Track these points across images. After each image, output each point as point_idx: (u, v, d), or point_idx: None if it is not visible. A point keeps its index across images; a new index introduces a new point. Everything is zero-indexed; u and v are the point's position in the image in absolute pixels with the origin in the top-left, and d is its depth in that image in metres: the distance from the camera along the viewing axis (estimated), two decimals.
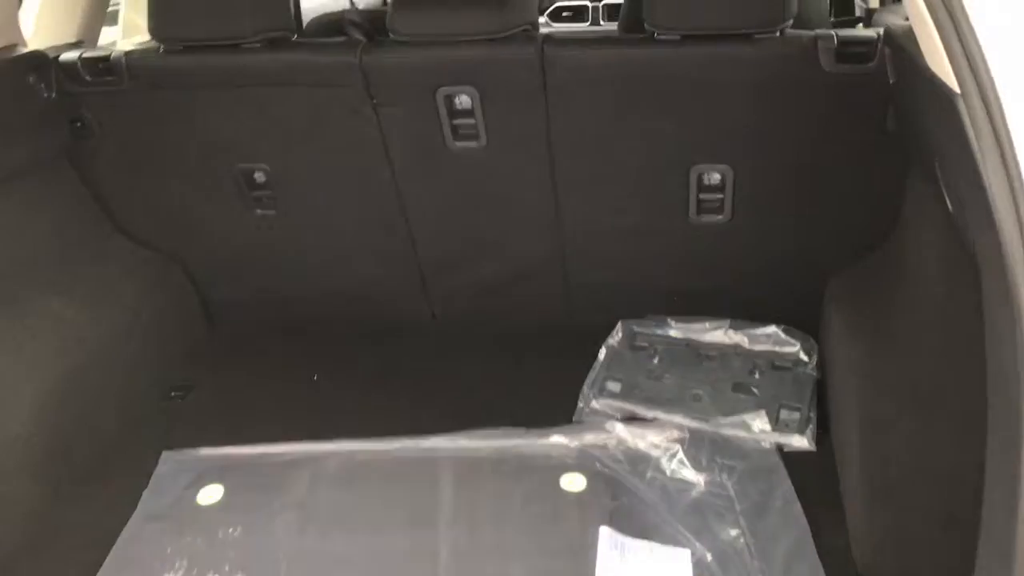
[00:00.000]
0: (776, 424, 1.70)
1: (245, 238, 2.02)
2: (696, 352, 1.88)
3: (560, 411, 1.81)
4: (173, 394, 1.99)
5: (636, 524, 1.49)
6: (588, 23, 3.62)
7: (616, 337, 1.94)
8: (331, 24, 2.62)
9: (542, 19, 3.60)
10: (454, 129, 1.75)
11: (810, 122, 1.63)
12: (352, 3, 3.21)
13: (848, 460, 1.49)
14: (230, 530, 1.52)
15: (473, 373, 1.95)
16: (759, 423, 1.70)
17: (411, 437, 1.72)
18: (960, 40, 0.97)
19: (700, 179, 1.74)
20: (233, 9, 1.67)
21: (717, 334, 1.90)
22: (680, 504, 1.54)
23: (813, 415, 1.72)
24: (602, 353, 1.91)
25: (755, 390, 1.78)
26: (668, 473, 1.62)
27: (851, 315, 1.72)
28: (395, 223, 1.93)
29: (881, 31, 1.50)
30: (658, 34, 1.58)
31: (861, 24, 2.55)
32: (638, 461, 1.64)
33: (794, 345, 1.84)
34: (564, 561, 1.43)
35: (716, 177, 1.74)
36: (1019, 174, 0.87)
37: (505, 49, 1.64)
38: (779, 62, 1.56)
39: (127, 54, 1.76)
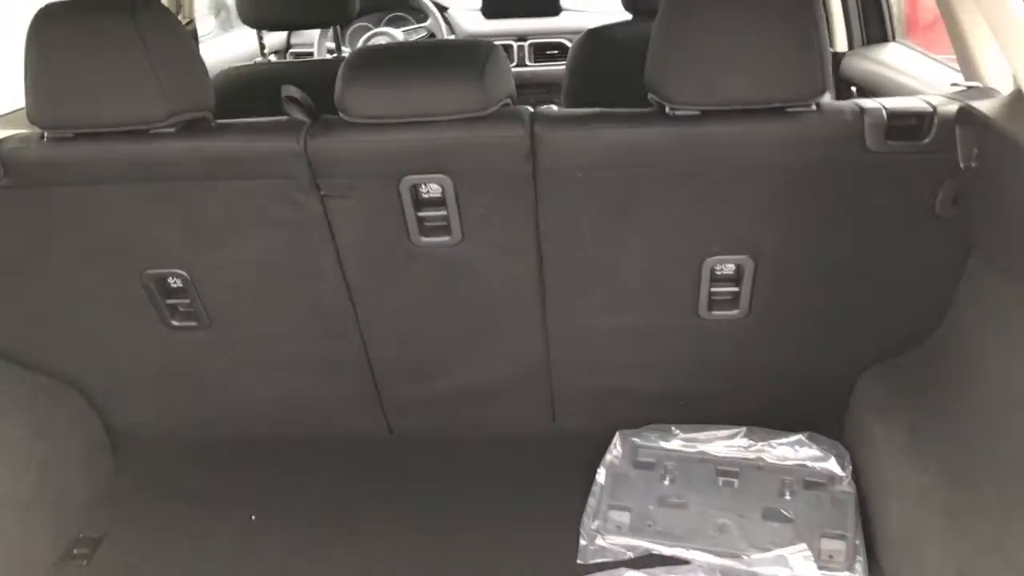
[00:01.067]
0: (819, 558, 1.45)
1: (159, 354, 1.67)
2: (713, 469, 1.61)
3: (558, 554, 1.52)
4: (75, 552, 1.62)
5: None
6: (514, 63, 3.38)
7: (615, 453, 1.66)
8: (243, 82, 2.29)
9: None
10: (420, 223, 1.44)
11: (847, 206, 1.39)
12: (263, 53, 2.88)
13: None
14: None
15: (444, 507, 1.64)
16: (800, 558, 1.44)
17: None
18: None
19: (713, 271, 1.48)
20: (140, 88, 1.33)
21: (733, 445, 1.64)
22: None
23: (861, 543, 1.47)
24: (601, 474, 1.63)
25: (789, 515, 1.52)
26: None
27: (892, 421, 1.49)
28: (344, 329, 1.61)
29: (949, 107, 1.28)
30: (672, 109, 1.32)
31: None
32: None
33: (825, 457, 1.58)
34: None
35: (731, 268, 1.49)
36: None
37: (488, 130, 1.35)
38: (817, 140, 1.32)
39: (2, 144, 1.40)
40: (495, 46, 1.42)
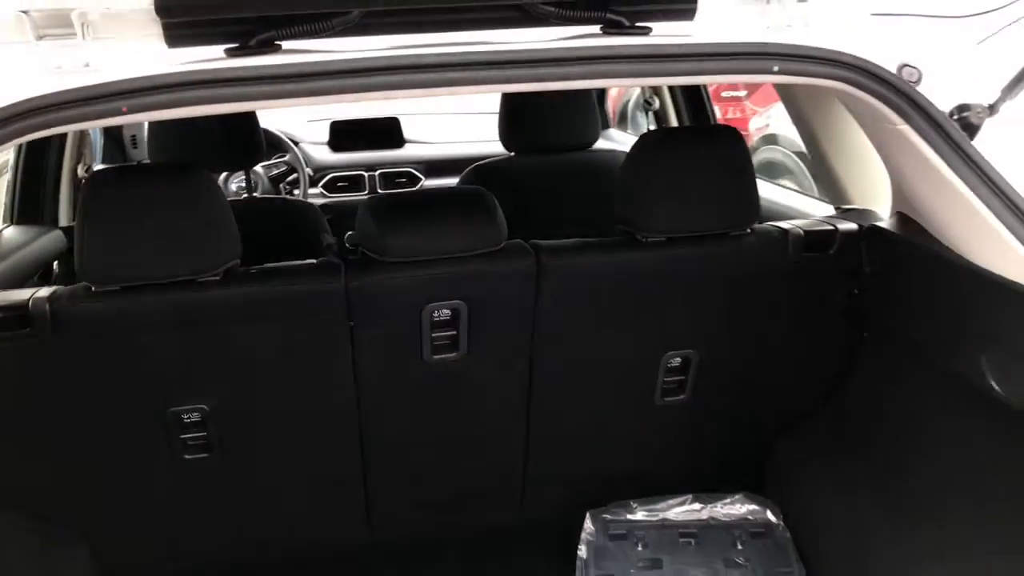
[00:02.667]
0: None
1: (167, 488, 1.75)
2: (676, 532, 1.92)
3: None
4: None
5: None
6: (366, 191, 3.65)
7: (589, 530, 1.92)
8: None
9: (316, 189, 3.58)
10: (432, 342, 1.68)
11: (773, 306, 1.79)
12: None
13: None
14: None
15: None
16: None
17: None
18: None
19: (666, 365, 1.82)
20: (194, 242, 1.49)
21: (686, 510, 1.96)
22: None
23: (803, 574, 1.83)
24: (583, 550, 1.89)
25: (743, 561, 1.85)
26: None
27: (810, 470, 1.89)
28: (350, 446, 1.79)
29: (848, 225, 1.71)
30: (644, 237, 1.66)
31: None
32: None
33: (762, 510, 1.94)
34: None
35: (677, 360, 1.83)
36: None
37: (502, 262, 1.62)
38: (753, 256, 1.71)
39: (51, 300, 1.49)
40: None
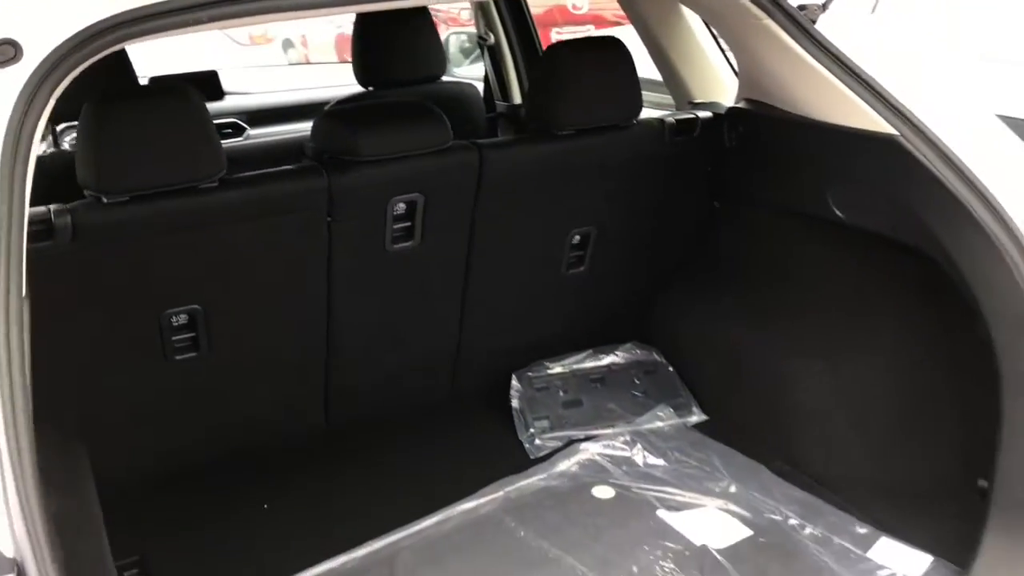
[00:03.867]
0: (677, 410, 2.26)
1: (154, 389, 1.93)
2: (587, 378, 2.34)
3: (516, 455, 2.14)
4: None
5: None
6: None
7: (517, 388, 2.30)
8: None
9: None
10: (393, 233, 1.97)
11: (653, 183, 2.23)
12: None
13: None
14: None
15: (409, 466, 2.13)
16: (667, 412, 2.24)
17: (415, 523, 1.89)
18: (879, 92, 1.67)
19: (570, 241, 2.23)
20: (198, 152, 1.70)
21: (590, 361, 2.39)
22: (682, 476, 2.01)
23: (691, 397, 2.31)
24: (515, 403, 2.27)
25: (642, 395, 2.31)
26: (643, 465, 2.07)
27: (683, 316, 2.38)
28: (318, 332, 2.04)
29: (705, 113, 2.18)
30: (558, 130, 2.04)
31: None
32: (621, 462, 2.06)
33: (649, 352, 2.41)
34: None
35: (578, 237, 2.24)
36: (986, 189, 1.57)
37: (451, 157, 1.94)
38: (639, 142, 2.14)
39: (72, 211, 1.63)
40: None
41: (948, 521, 1.75)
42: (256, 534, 1.93)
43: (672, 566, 1.72)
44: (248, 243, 1.84)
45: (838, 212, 1.90)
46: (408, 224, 1.98)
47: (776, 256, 2.17)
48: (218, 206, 1.76)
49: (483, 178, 2.00)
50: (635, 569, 1.71)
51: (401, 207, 1.95)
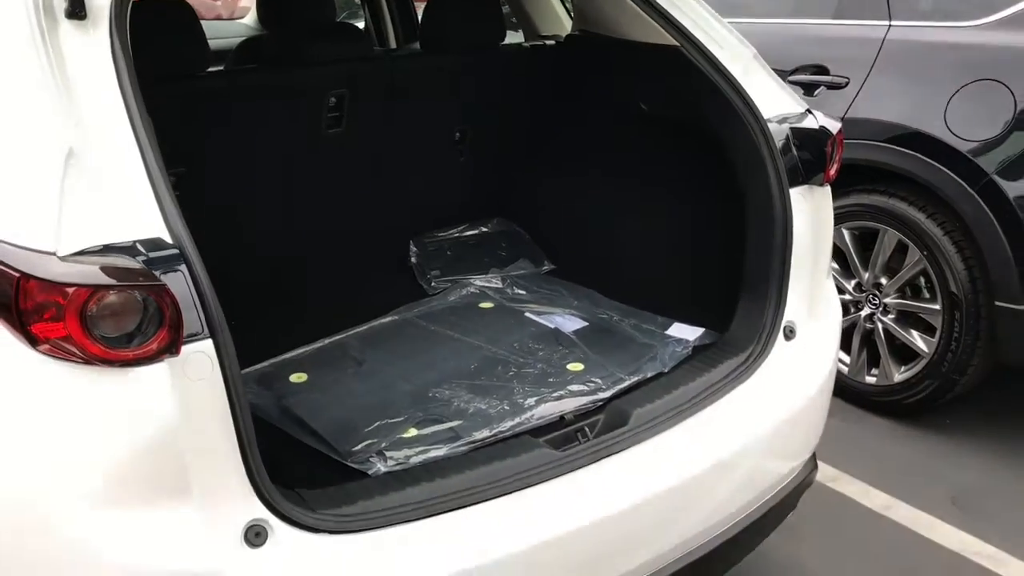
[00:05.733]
0: (534, 263, 3.09)
1: None
2: (466, 243, 3.15)
3: (417, 296, 2.91)
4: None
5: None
6: None
7: (414, 250, 3.08)
8: None
9: None
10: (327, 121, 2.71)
11: (513, 94, 3.04)
12: None
13: None
14: None
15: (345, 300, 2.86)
16: (526, 264, 3.08)
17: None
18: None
19: (454, 136, 3.01)
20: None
21: (468, 231, 3.20)
22: (540, 298, 2.84)
23: (542, 252, 3.15)
24: (413, 259, 3.04)
25: (509, 252, 3.13)
26: (511, 293, 2.89)
27: (535, 190, 3.22)
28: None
29: (552, 41, 3.01)
30: (443, 49, 2.82)
31: None
32: (497, 291, 2.88)
33: (509, 223, 3.25)
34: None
35: (458, 134, 3.03)
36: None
37: (372, 63, 2.68)
38: (508, 61, 2.94)
39: None
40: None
41: (713, 309, 2.62)
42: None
43: (537, 341, 2.54)
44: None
45: (643, 105, 2.77)
46: (338, 115, 2.71)
47: (602, 142, 3.03)
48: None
49: (393, 81, 2.75)
50: (514, 343, 2.52)
51: (332, 100, 2.68)
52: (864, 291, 3.71)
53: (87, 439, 1.45)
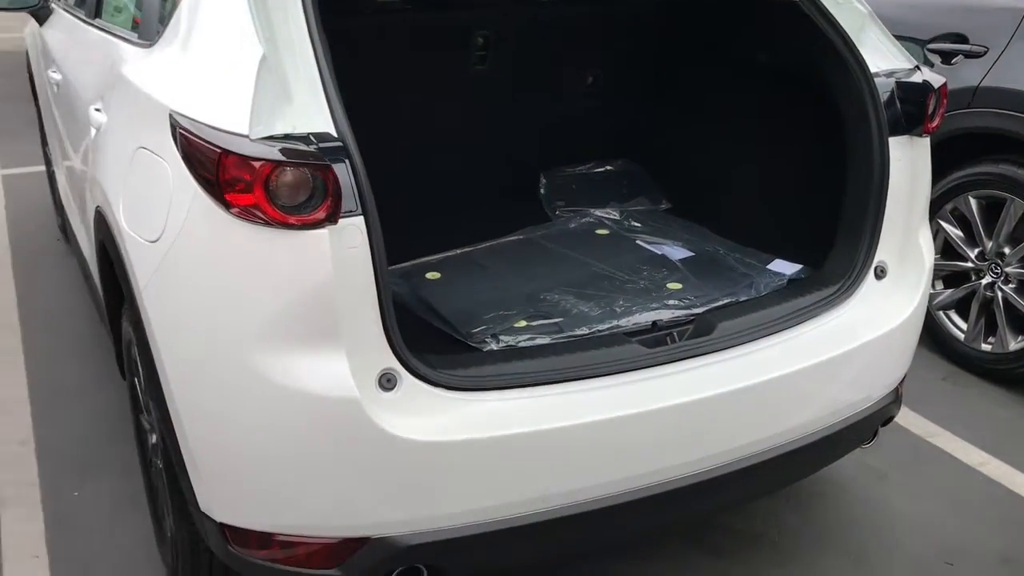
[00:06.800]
0: (651, 201, 3.38)
1: None
2: (591, 180, 3.46)
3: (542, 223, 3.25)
4: None
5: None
6: None
7: (544, 183, 3.42)
8: None
9: None
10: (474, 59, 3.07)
11: (640, 43, 3.33)
12: None
13: None
14: None
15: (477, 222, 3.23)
16: (643, 201, 3.36)
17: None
18: None
19: (585, 80, 3.32)
20: None
21: (592, 169, 3.51)
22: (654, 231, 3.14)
23: (659, 192, 3.44)
24: (542, 190, 3.38)
25: (630, 190, 3.43)
26: (627, 224, 3.19)
27: (656, 143, 3.50)
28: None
29: None
30: None
31: None
32: (614, 222, 3.19)
33: (634, 164, 3.54)
34: None
35: (591, 79, 3.34)
36: None
37: (517, 6, 3.02)
38: (641, 9, 3.23)
39: None
40: None
41: (813, 249, 2.83)
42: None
43: (643, 264, 2.84)
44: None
45: (759, 57, 3.00)
46: (483, 53, 3.07)
47: (720, 91, 3.27)
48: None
49: (537, 24, 3.08)
50: (622, 264, 2.83)
51: (480, 39, 3.04)
52: (987, 260, 3.80)
53: (264, 285, 1.86)
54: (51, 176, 5.31)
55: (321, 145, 1.82)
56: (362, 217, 1.86)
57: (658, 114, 3.50)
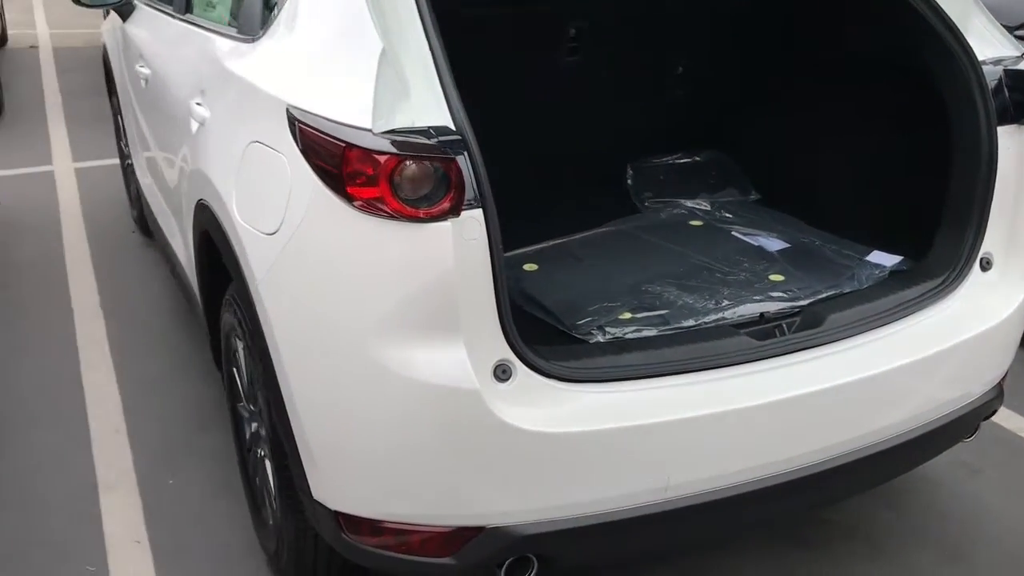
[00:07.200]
0: (740, 191, 3.37)
1: None
2: (679, 170, 3.46)
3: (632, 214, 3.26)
4: None
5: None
6: None
7: (630, 173, 3.43)
8: None
9: None
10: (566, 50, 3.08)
11: (730, 36, 3.32)
12: None
13: None
14: None
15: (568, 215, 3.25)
16: (733, 192, 3.35)
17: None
18: None
19: (674, 70, 3.32)
20: None
21: (680, 160, 3.51)
22: (747, 222, 3.13)
23: (749, 182, 3.43)
24: (629, 181, 3.39)
25: (718, 180, 3.43)
26: (719, 215, 3.19)
27: (746, 134, 3.48)
28: None
29: None
30: None
31: None
32: (705, 213, 3.18)
33: (722, 154, 3.52)
34: None
35: (680, 69, 3.33)
36: None
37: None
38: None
39: None
40: None
41: (912, 240, 2.79)
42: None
43: (741, 255, 2.84)
44: None
45: (854, 43, 2.96)
46: (575, 44, 3.08)
47: (811, 79, 3.24)
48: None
49: (629, 17, 3.08)
50: (720, 255, 2.83)
51: (573, 31, 3.05)
52: None
53: (385, 277, 1.90)
54: (126, 169, 5.42)
55: (441, 138, 1.84)
56: (481, 209, 1.88)
57: (747, 104, 3.49)
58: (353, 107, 1.89)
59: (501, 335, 1.95)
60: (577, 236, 2.97)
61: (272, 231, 2.07)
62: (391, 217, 1.85)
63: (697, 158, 3.50)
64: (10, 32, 10.61)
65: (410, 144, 1.84)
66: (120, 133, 5.39)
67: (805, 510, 2.72)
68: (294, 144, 2.00)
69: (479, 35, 2.92)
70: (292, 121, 2.00)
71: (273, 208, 2.07)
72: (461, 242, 1.88)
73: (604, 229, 3.04)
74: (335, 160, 1.87)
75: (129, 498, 3.11)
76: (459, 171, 1.84)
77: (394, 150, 1.82)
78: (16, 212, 5.61)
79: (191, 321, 4.21)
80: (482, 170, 1.88)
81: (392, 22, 1.98)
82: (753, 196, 3.35)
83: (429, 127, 1.88)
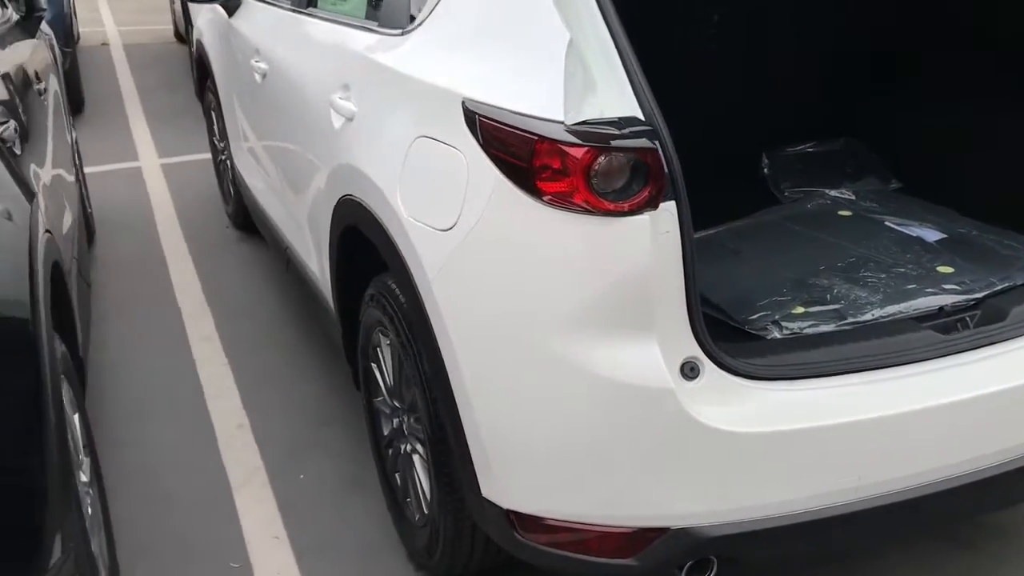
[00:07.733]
0: (880, 180, 3.29)
1: None
2: (815, 159, 3.39)
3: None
4: None
5: None
6: None
7: (766, 162, 3.36)
8: None
9: None
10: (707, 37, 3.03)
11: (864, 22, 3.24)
12: None
13: None
14: None
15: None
16: (873, 181, 3.27)
17: None
18: None
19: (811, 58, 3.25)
20: None
21: (816, 148, 3.44)
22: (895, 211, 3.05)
23: (888, 172, 3.34)
24: (766, 170, 3.33)
25: (858, 169, 3.35)
26: (865, 204, 3.11)
27: (886, 123, 3.40)
28: None
29: None
30: None
31: None
32: (849, 202, 3.11)
33: (860, 143, 3.45)
34: None
35: (816, 57, 3.26)
36: None
37: None
38: None
39: None
40: None
41: None
42: None
43: (900, 246, 2.76)
44: None
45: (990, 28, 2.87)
46: (715, 31, 3.03)
47: (946, 66, 3.13)
48: None
49: (769, 7, 3.02)
50: (878, 246, 2.76)
51: (716, 17, 3.00)
52: None
53: (575, 273, 1.87)
54: (219, 165, 5.47)
55: (633, 129, 1.81)
56: (674, 202, 1.84)
57: (885, 92, 3.41)
58: (537, 99, 1.86)
59: (690, 332, 1.91)
60: (723, 227, 2.91)
61: (447, 227, 2.05)
62: (583, 211, 1.81)
63: (833, 147, 3.42)
64: (81, 30, 10.79)
65: (606, 135, 1.80)
66: (212, 128, 5.44)
67: (992, 511, 2.66)
68: (471, 137, 1.97)
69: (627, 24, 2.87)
70: (470, 114, 1.98)
71: (448, 203, 2.05)
72: (656, 236, 1.84)
73: (750, 220, 2.98)
74: (524, 154, 1.85)
75: (262, 494, 3.13)
76: (658, 162, 1.80)
77: (590, 143, 1.79)
78: (109, 211, 5.69)
79: (299, 316, 4.24)
80: (675, 161, 1.83)
81: (570, 10, 1.95)
82: (893, 184, 3.27)
83: (619, 118, 1.83)
